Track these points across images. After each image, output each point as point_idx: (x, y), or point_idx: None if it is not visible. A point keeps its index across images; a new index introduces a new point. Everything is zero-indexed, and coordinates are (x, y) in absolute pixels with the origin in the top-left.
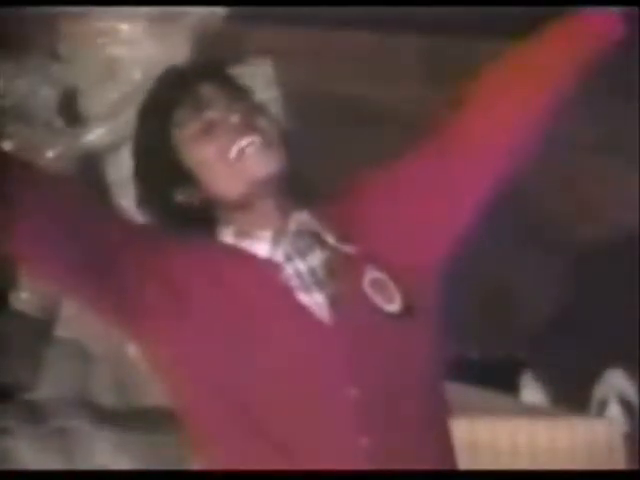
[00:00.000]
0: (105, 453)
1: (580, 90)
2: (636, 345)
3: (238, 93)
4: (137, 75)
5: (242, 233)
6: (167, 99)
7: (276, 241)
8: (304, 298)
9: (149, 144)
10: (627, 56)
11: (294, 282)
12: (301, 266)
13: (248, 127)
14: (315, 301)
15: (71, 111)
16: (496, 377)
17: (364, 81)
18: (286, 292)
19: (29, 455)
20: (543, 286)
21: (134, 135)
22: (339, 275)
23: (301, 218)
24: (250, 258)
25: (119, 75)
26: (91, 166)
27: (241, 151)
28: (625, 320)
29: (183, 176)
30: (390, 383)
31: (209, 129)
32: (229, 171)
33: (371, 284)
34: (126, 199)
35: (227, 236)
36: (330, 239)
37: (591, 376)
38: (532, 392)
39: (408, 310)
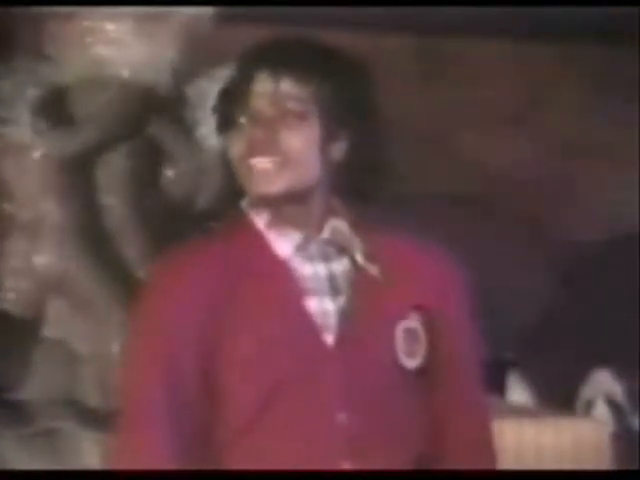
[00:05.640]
0: (92, 453)
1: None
2: (623, 345)
3: (297, 82)
4: (124, 75)
5: (273, 224)
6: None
7: (302, 247)
8: (313, 303)
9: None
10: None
11: (308, 284)
12: (321, 270)
13: (271, 146)
14: (324, 308)
15: (58, 111)
16: (483, 377)
17: None
18: (295, 295)
19: (15, 456)
20: (530, 287)
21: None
22: (358, 291)
23: (337, 227)
24: (268, 255)
25: (107, 75)
26: (78, 167)
27: (254, 166)
28: (612, 320)
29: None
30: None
31: (250, 122)
32: (244, 172)
33: (405, 332)
34: (114, 199)
35: (259, 222)
36: (359, 257)
37: (578, 376)
38: (519, 392)
39: (423, 369)
